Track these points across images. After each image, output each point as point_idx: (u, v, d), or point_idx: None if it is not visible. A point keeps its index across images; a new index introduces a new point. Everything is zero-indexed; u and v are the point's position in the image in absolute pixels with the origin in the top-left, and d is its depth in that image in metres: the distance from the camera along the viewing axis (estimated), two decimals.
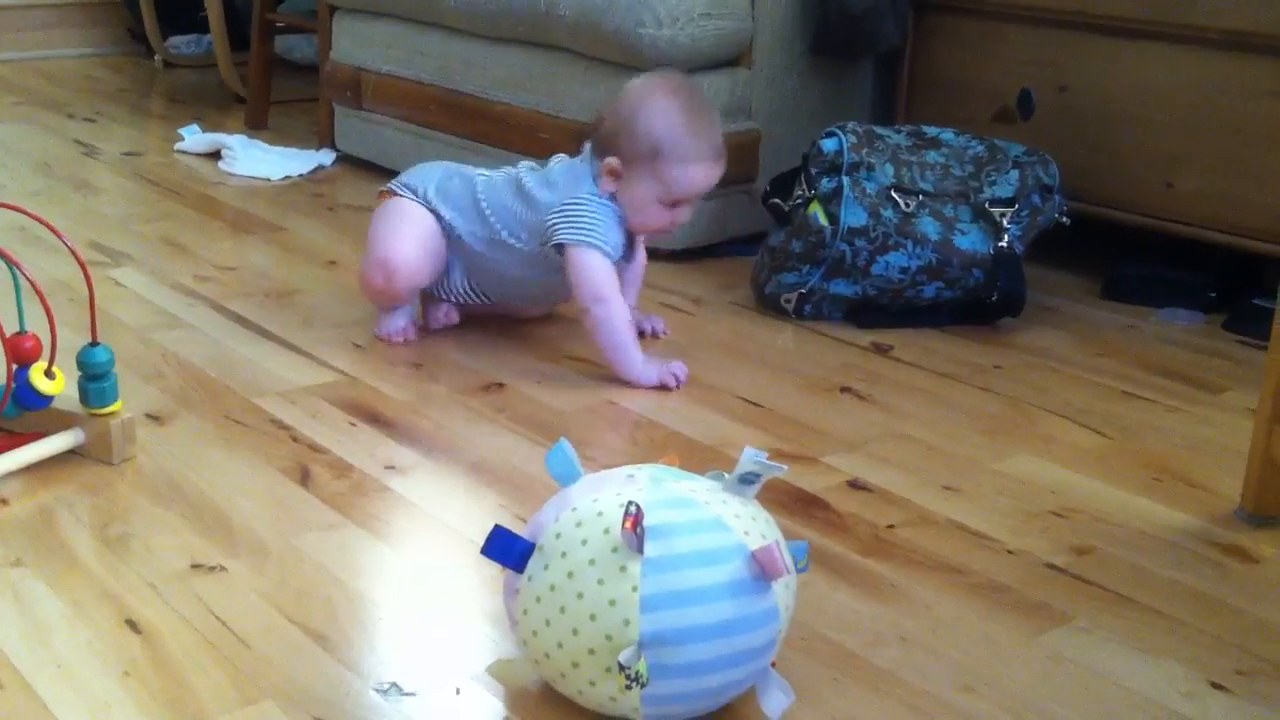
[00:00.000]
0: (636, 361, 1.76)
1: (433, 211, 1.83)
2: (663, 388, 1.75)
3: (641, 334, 1.90)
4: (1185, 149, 2.12)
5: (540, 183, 1.80)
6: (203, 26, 3.86)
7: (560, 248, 1.75)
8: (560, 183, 1.79)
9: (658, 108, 1.74)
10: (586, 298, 1.75)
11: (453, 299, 1.90)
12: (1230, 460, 1.57)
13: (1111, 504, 1.48)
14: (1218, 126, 2.08)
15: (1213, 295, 2.16)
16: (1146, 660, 1.18)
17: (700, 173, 1.75)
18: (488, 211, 1.81)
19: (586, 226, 1.74)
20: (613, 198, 1.76)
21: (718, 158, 1.77)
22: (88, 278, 1.45)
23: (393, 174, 2.81)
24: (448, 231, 1.83)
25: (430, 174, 1.88)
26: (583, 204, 1.75)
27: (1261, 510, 1.45)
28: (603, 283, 1.74)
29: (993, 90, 2.34)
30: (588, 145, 1.80)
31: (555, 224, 1.75)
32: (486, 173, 1.87)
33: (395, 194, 1.87)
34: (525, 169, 1.85)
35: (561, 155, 1.85)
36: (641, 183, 1.75)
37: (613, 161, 1.74)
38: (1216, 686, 1.15)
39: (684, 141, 1.73)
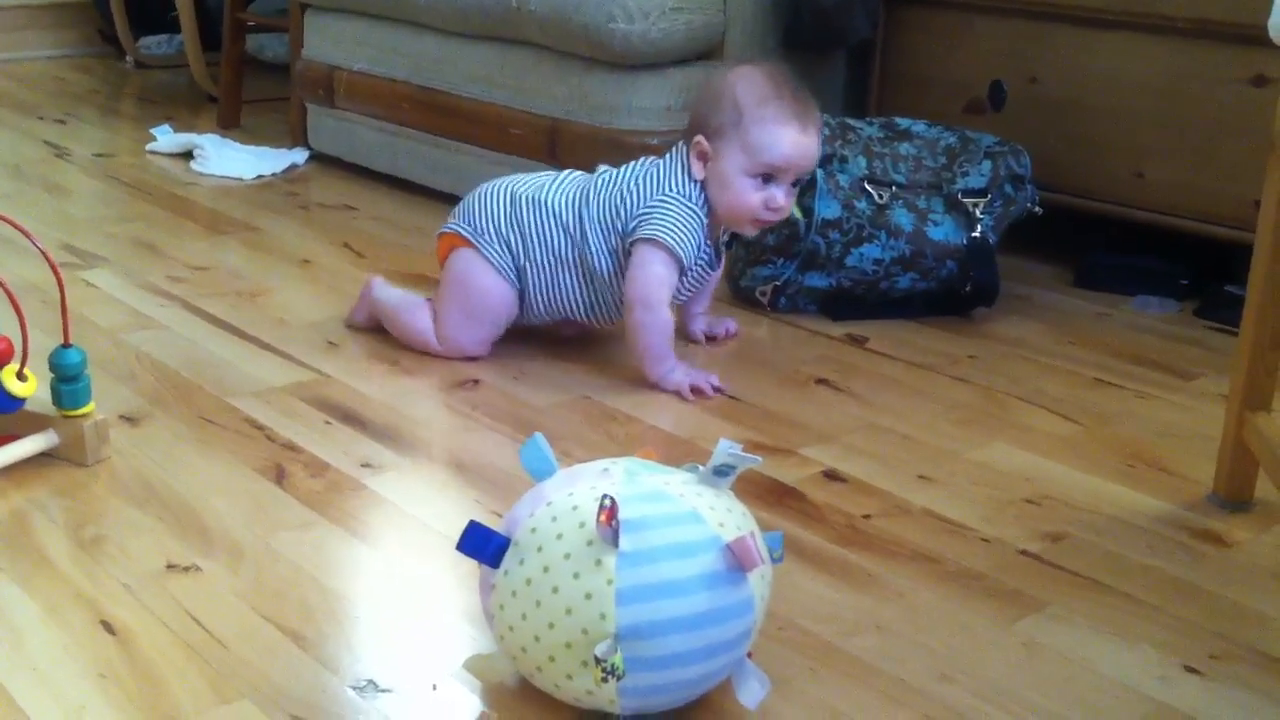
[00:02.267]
0: (663, 368, 1.73)
1: (504, 250, 1.76)
2: (696, 393, 1.71)
3: (714, 338, 1.89)
4: (1156, 138, 2.13)
5: (625, 186, 1.73)
6: (174, 26, 3.85)
7: (635, 244, 1.71)
8: (648, 184, 1.72)
9: (743, 77, 1.70)
10: (635, 298, 1.70)
11: (525, 322, 1.84)
12: (1203, 446, 1.58)
13: (1085, 491, 1.49)
14: (1188, 116, 2.09)
15: (1185, 283, 2.18)
16: (1121, 645, 1.19)
17: (786, 136, 1.67)
18: (571, 227, 1.75)
19: (665, 225, 1.69)
20: (703, 188, 1.70)
21: (806, 125, 1.68)
22: (59, 279, 1.44)
23: (366, 172, 2.83)
24: (519, 268, 1.77)
25: (493, 203, 1.78)
26: (669, 203, 1.70)
27: (1234, 495, 1.46)
28: (656, 288, 1.70)
29: (964, 82, 2.35)
30: (683, 144, 1.74)
31: (639, 222, 1.70)
32: (556, 186, 1.78)
33: (467, 242, 1.78)
34: (604, 173, 1.78)
35: (643, 158, 1.78)
36: (728, 156, 1.68)
37: (700, 140, 1.69)
38: (1190, 670, 1.15)
39: (767, 102, 1.67)
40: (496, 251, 1.77)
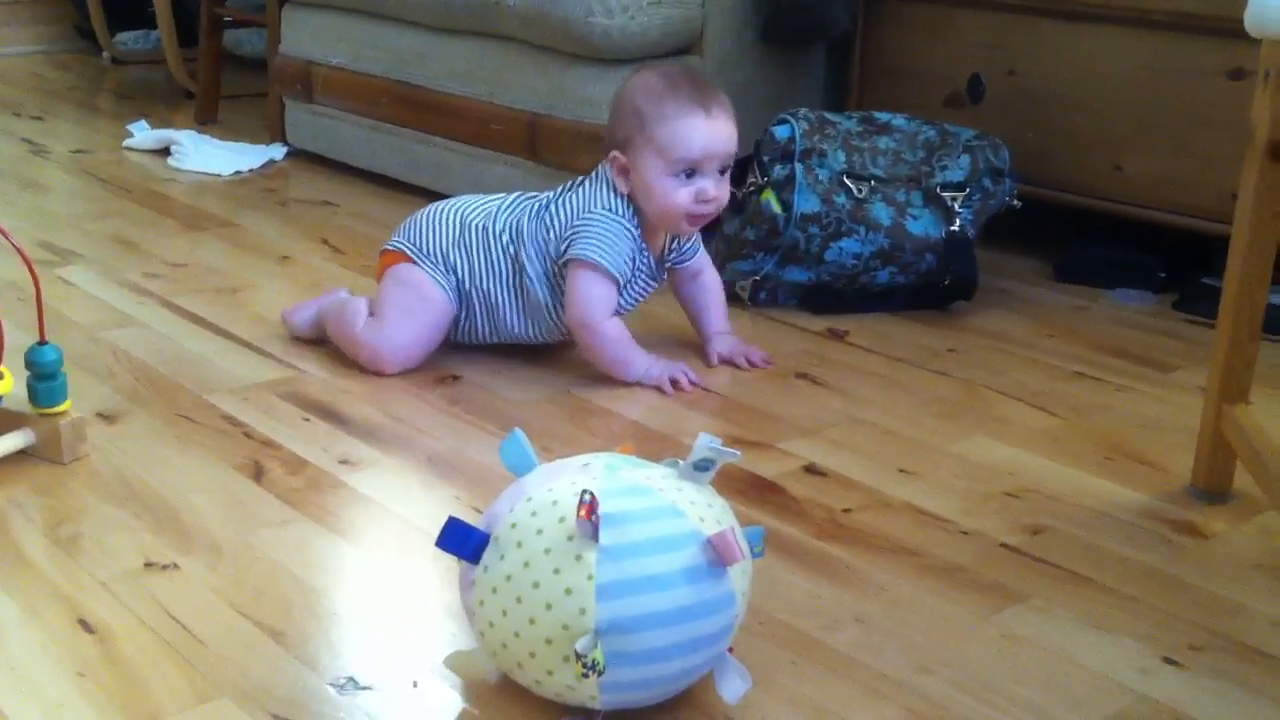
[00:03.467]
0: (636, 371, 1.72)
1: (449, 273, 1.75)
2: (674, 387, 1.71)
3: (735, 365, 1.81)
4: (1134, 131, 2.14)
5: (555, 208, 1.73)
6: (150, 22, 3.83)
7: (567, 265, 1.70)
8: (574, 203, 1.72)
9: (638, 84, 1.70)
10: (574, 321, 1.71)
11: (465, 341, 1.82)
12: (1181, 438, 1.58)
13: (1065, 483, 1.50)
14: (1166, 109, 2.10)
15: (1163, 275, 2.19)
16: (1101, 637, 1.19)
17: (690, 126, 1.65)
18: (511, 256, 1.74)
19: (592, 242, 1.68)
20: (630, 201, 1.69)
21: (711, 110, 1.67)
22: (34, 277, 1.43)
23: (345, 168, 2.82)
24: (462, 293, 1.75)
25: (442, 227, 1.77)
26: (595, 220, 1.69)
27: (1212, 486, 1.46)
28: (593, 307, 1.69)
29: (943, 75, 2.35)
30: (604, 162, 1.73)
31: (566, 244, 1.70)
32: (503, 212, 1.76)
33: (408, 259, 1.76)
34: (544, 195, 1.77)
35: (570, 181, 1.77)
36: (643, 163, 1.67)
37: (615, 155, 1.69)
38: (1169, 661, 1.16)
39: (663, 99, 1.66)
40: (441, 273, 1.75)
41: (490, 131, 2.44)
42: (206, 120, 3.28)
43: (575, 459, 1.10)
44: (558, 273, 1.72)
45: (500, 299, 1.76)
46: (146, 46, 4.18)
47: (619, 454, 1.11)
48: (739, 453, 1.07)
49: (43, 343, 1.45)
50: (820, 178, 2.00)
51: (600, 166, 1.74)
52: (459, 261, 1.75)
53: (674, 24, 2.25)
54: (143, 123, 3.11)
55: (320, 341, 1.85)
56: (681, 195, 1.67)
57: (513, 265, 1.74)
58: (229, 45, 3.66)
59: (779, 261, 2.02)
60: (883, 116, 2.13)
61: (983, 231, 2.07)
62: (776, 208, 1.98)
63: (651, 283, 1.78)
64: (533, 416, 1.65)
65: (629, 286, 1.74)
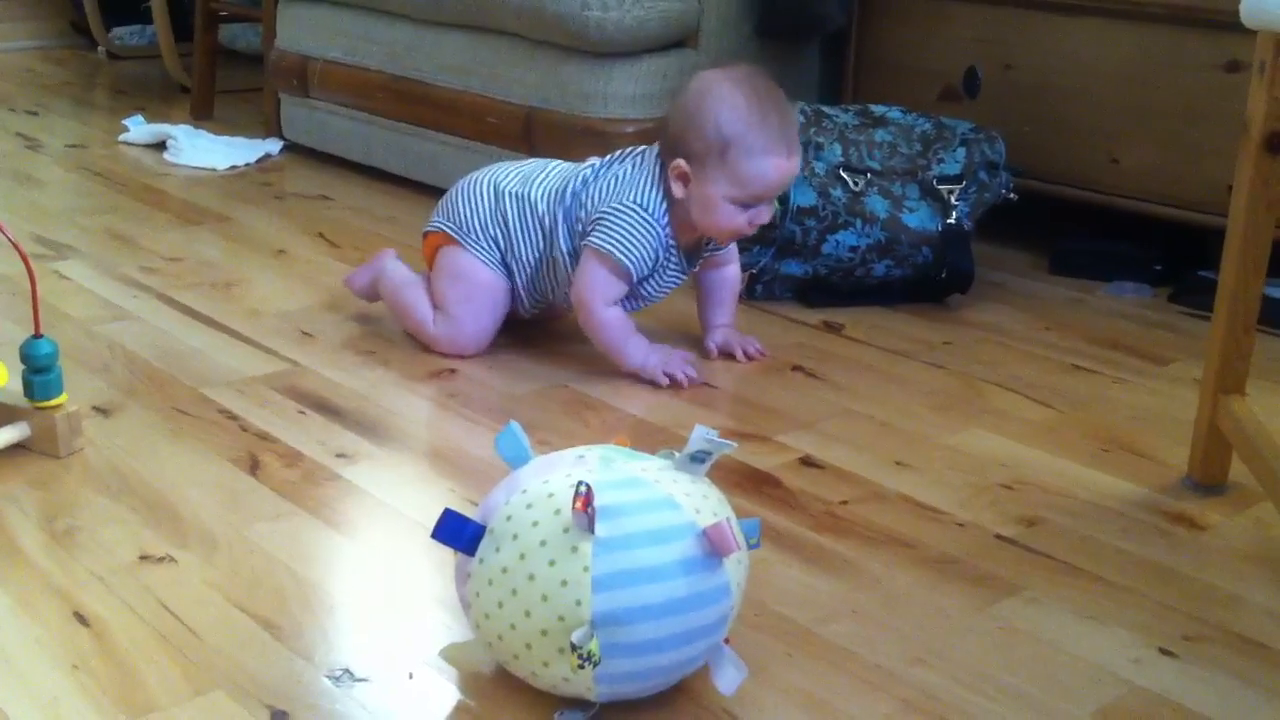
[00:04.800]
0: (634, 357, 1.71)
1: (491, 245, 1.75)
2: (672, 381, 1.69)
3: (731, 356, 1.82)
4: (1129, 124, 2.14)
5: (596, 184, 1.71)
6: (146, 17, 3.83)
7: (585, 247, 1.70)
8: (610, 188, 1.70)
9: (724, 99, 1.63)
10: (576, 301, 1.71)
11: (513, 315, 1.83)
12: (1177, 430, 1.58)
13: (1060, 475, 1.50)
14: (1161, 101, 2.10)
15: (1158, 268, 2.19)
16: (1095, 628, 1.19)
17: (773, 166, 1.63)
18: (545, 225, 1.73)
19: (617, 237, 1.66)
20: (668, 203, 1.67)
21: (791, 148, 1.65)
22: (29, 270, 1.43)
23: (341, 162, 2.82)
24: (505, 263, 1.76)
25: (479, 199, 1.76)
26: (624, 214, 1.67)
27: (1207, 479, 1.46)
28: (593, 291, 1.69)
29: (939, 69, 2.35)
30: (655, 148, 1.71)
31: (592, 227, 1.68)
32: (540, 180, 1.75)
33: (452, 240, 1.76)
34: (588, 167, 1.75)
35: (632, 150, 1.74)
36: (713, 183, 1.63)
37: (680, 164, 1.64)
38: (1165, 653, 1.16)
39: (754, 132, 1.61)
40: (484, 248, 1.75)
41: (486, 125, 2.43)
42: (202, 115, 3.28)
43: (571, 451, 1.10)
44: (580, 250, 1.72)
45: (538, 267, 1.76)
46: (142, 41, 4.17)
47: (614, 446, 1.11)
48: (735, 445, 1.07)
49: (38, 336, 1.45)
50: (817, 171, 2.00)
51: (646, 155, 1.71)
52: (498, 233, 1.75)
53: (670, 17, 2.25)
54: (138, 117, 3.11)
55: (317, 334, 1.85)
56: (739, 220, 1.67)
57: (544, 234, 1.73)
58: (224, 40, 3.65)
59: (776, 254, 2.02)
60: (879, 110, 2.13)
61: (979, 224, 2.07)
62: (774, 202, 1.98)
63: (681, 275, 1.76)
64: (528, 409, 1.65)
65: (655, 277, 1.72)
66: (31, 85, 3.71)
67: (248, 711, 1.04)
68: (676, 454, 1.08)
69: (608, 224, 1.68)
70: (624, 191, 1.69)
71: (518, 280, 1.77)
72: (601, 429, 1.59)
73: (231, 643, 1.13)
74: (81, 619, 1.16)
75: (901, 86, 2.38)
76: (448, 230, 1.77)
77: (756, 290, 2.05)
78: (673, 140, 1.67)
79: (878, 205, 2.00)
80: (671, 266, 1.73)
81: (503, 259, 1.76)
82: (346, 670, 1.10)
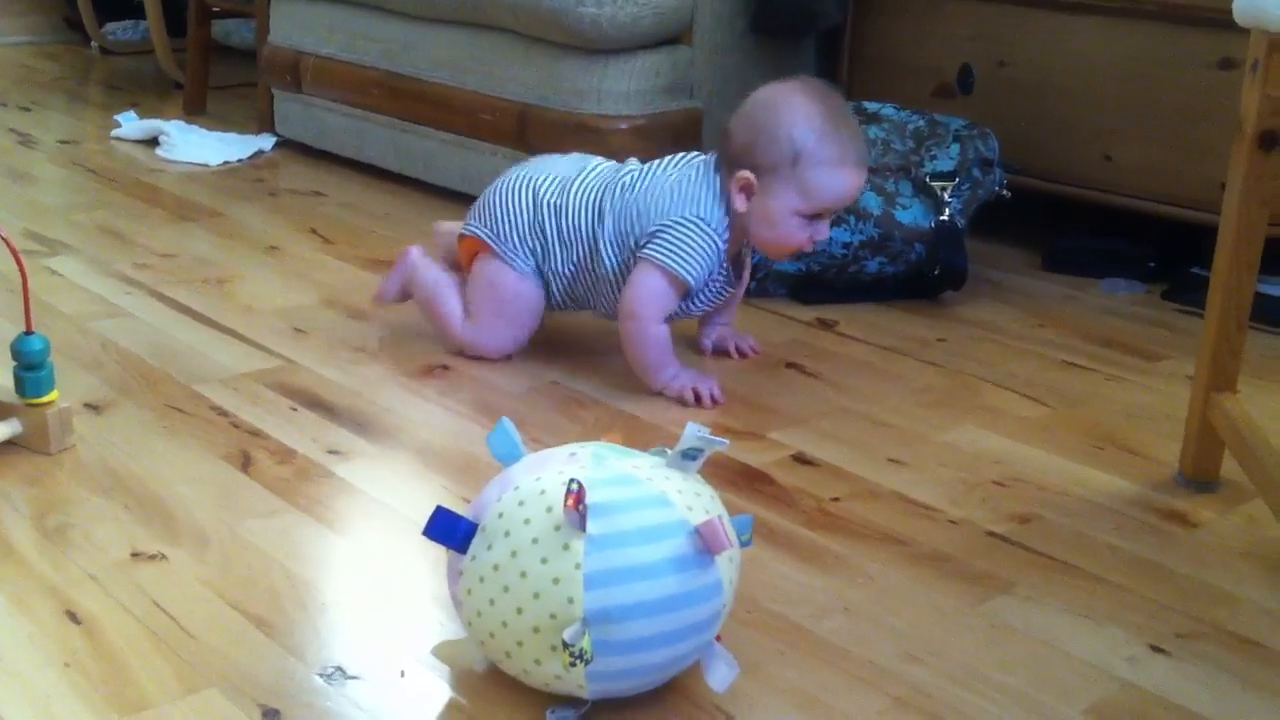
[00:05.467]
0: (662, 377, 1.68)
1: (529, 256, 1.72)
2: (696, 400, 1.65)
3: (725, 353, 1.82)
4: (1123, 121, 2.14)
5: (645, 195, 1.67)
6: (139, 12, 3.82)
7: (640, 259, 1.66)
8: (669, 198, 1.65)
9: (798, 110, 1.60)
10: (627, 309, 1.66)
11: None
12: (1169, 427, 1.59)
13: (1053, 473, 1.50)
14: (1155, 99, 2.10)
15: (1152, 265, 2.19)
16: (1088, 626, 1.19)
17: (845, 178, 1.61)
18: (586, 235, 1.70)
19: (679, 251, 1.63)
20: (731, 215, 1.64)
21: (862, 165, 1.63)
22: (20, 266, 1.43)
23: (334, 158, 2.81)
24: (542, 273, 1.73)
25: (518, 209, 1.72)
26: (687, 228, 1.63)
27: (1200, 475, 1.46)
28: (649, 303, 1.64)
29: (933, 66, 2.35)
30: (712, 158, 1.68)
31: (650, 239, 1.64)
32: (579, 186, 1.72)
33: (488, 248, 1.73)
34: (628, 173, 1.71)
35: (681, 157, 1.71)
36: (780, 195, 1.61)
37: (746, 175, 1.61)
38: (1157, 650, 1.16)
39: (828, 143, 1.59)
40: (522, 258, 1.72)
41: (480, 122, 2.43)
42: (195, 111, 3.27)
43: (563, 448, 1.10)
44: (633, 259, 1.67)
45: (575, 276, 1.73)
46: (135, 37, 4.17)
47: (607, 443, 1.11)
48: (727, 441, 1.06)
49: (29, 333, 1.44)
50: None
51: (706, 161, 1.68)
52: (536, 245, 1.72)
53: (665, 14, 2.25)
54: (131, 113, 3.10)
55: (310, 331, 1.85)
56: (802, 235, 1.64)
57: (589, 246, 1.70)
58: (218, 36, 3.65)
59: None
60: (872, 106, 2.13)
61: (972, 221, 2.08)
62: None
63: (728, 288, 1.74)
64: (521, 406, 1.64)
65: (703, 291, 1.69)
66: (24, 81, 3.71)
67: (240, 709, 1.04)
68: (669, 451, 1.08)
69: (669, 237, 1.64)
70: (684, 204, 1.64)
71: (554, 286, 1.74)
72: (594, 426, 1.59)
73: (224, 640, 1.13)
74: (73, 617, 1.16)
75: (896, 83, 2.38)
76: (484, 237, 1.74)
77: (750, 286, 2.05)
78: (738, 152, 1.63)
79: (871, 202, 2.00)
80: (719, 279, 1.70)
81: (538, 267, 1.73)
82: (339, 668, 1.10)
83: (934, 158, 2.05)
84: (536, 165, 1.79)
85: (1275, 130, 1.33)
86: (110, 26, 4.18)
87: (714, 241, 1.64)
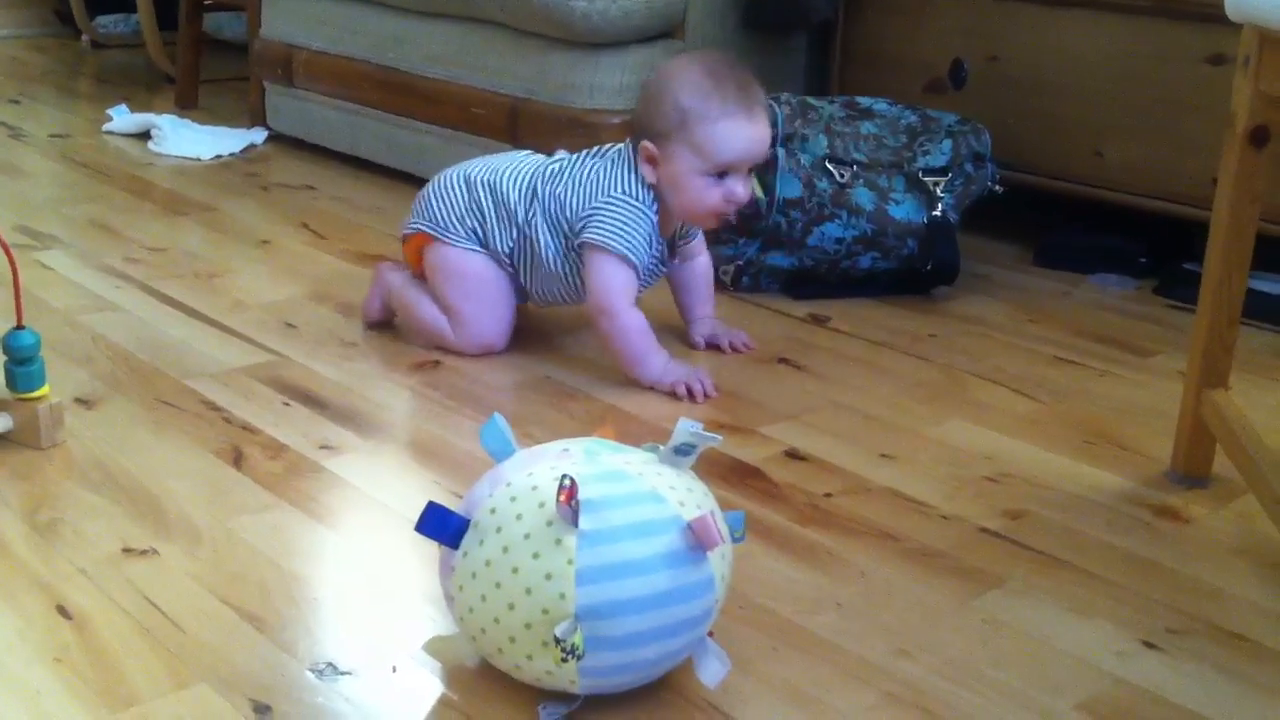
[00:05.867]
0: (653, 369, 1.68)
1: (470, 237, 1.73)
2: (689, 395, 1.65)
3: (718, 348, 1.82)
4: (1115, 117, 2.14)
5: (572, 182, 1.70)
6: (130, 6, 3.81)
7: (583, 247, 1.68)
8: (594, 182, 1.68)
9: (680, 75, 1.65)
10: (595, 309, 1.68)
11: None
12: (1161, 423, 1.59)
13: (1045, 468, 1.50)
14: (1146, 94, 2.10)
15: (1143, 261, 2.19)
16: (1080, 621, 1.19)
17: (733, 129, 1.62)
18: (519, 218, 1.72)
19: (613, 229, 1.65)
20: (653, 190, 1.66)
21: (753, 115, 1.63)
22: (11, 260, 1.42)
23: (326, 152, 2.81)
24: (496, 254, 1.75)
25: (451, 193, 1.75)
26: (616, 205, 1.66)
27: (1191, 471, 1.46)
28: (615, 294, 1.66)
29: (925, 61, 2.35)
30: (627, 143, 1.70)
31: (585, 224, 1.67)
32: (510, 171, 1.74)
33: (432, 238, 1.74)
34: (557, 161, 1.74)
35: (606, 147, 1.73)
36: (678, 158, 1.63)
37: (647, 145, 1.64)
38: (1149, 645, 1.16)
39: (709, 98, 1.61)
40: (464, 238, 1.74)
41: (471, 116, 2.43)
42: (187, 104, 3.27)
43: (555, 444, 1.10)
44: (571, 246, 1.70)
45: (518, 260, 1.74)
46: (126, 30, 4.15)
47: (599, 439, 1.11)
48: (720, 437, 1.06)
49: (20, 327, 1.44)
50: (802, 162, 2.00)
51: (623, 147, 1.71)
52: (475, 224, 1.73)
53: (656, 8, 2.24)
54: (122, 107, 3.09)
55: (302, 325, 1.84)
56: (713, 195, 1.65)
57: (525, 228, 1.71)
58: (209, 29, 3.63)
59: (761, 246, 2.02)
60: (865, 101, 2.13)
61: (964, 216, 2.08)
62: (759, 192, 1.97)
63: (661, 267, 1.75)
64: (513, 401, 1.64)
65: (640, 271, 1.70)
66: (15, 74, 3.69)
67: (231, 705, 1.03)
68: (661, 447, 1.08)
69: (600, 218, 1.66)
70: (608, 185, 1.68)
71: (521, 271, 1.75)
72: (586, 421, 1.59)
73: (215, 636, 1.13)
74: (64, 612, 1.15)
75: (888, 78, 2.38)
76: (426, 230, 1.75)
77: (743, 282, 2.05)
78: (638, 126, 1.68)
79: (863, 197, 2.00)
80: (655, 258, 1.72)
81: (483, 248, 1.74)
82: (330, 664, 1.09)
83: (926, 153, 2.05)
84: (467, 162, 1.81)
85: (1267, 126, 1.33)
86: (101, 20, 4.16)
87: (644, 214, 1.67)
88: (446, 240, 1.74)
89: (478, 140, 2.43)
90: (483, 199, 1.73)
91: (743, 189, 1.66)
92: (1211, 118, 1.97)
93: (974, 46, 2.28)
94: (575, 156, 1.74)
